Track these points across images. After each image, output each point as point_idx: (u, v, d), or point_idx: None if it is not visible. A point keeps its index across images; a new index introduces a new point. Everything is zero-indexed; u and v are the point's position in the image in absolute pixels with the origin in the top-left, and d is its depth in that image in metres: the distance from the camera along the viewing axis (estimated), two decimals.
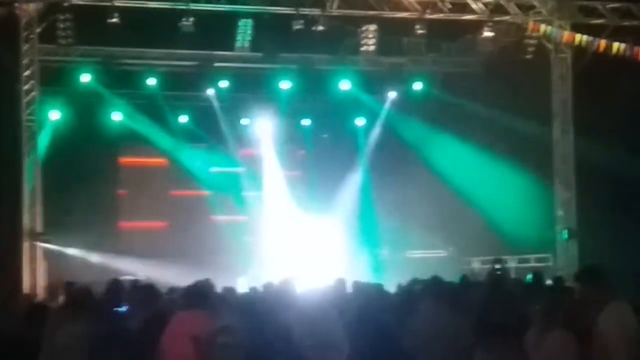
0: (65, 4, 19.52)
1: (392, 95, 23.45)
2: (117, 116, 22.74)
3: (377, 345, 8.84)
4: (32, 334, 8.70)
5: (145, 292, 10.05)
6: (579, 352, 7.07)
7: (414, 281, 11.17)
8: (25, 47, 19.50)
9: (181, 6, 19.70)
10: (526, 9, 20.96)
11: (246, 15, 20.51)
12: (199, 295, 8.43)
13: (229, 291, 11.01)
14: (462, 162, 21.94)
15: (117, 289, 11.17)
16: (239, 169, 24.49)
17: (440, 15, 20.63)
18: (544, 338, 7.25)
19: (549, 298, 7.95)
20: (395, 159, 23.49)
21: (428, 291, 9.29)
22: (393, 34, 21.49)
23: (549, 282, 11.60)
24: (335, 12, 20.35)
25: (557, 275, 11.71)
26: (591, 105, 19.72)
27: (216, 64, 22.39)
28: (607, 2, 20.50)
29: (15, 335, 8.81)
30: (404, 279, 11.98)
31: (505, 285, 10.87)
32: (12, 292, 14.75)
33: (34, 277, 19.08)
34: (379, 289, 10.66)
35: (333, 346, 8.35)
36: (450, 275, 11.34)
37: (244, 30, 20.85)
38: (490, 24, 20.91)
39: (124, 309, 10.58)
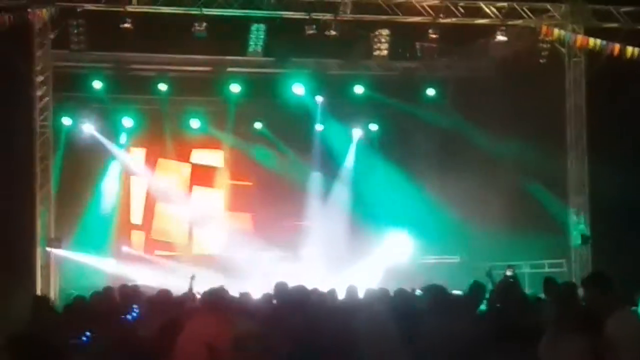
0: (78, 10, 19.53)
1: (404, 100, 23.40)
2: (128, 122, 22.84)
3: None
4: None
5: (160, 298, 10.07)
6: (593, 358, 7.02)
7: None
8: (38, 53, 19.55)
9: (194, 11, 19.69)
10: (539, 12, 20.85)
11: (259, 20, 20.47)
12: (214, 301, 8.42)
13: (245, 296, 11.05)
14: (470, 166, 21.90)
15: (129, 295, 11.19)
16: None
17: (453, 20, 20.55)
18: (558, 344, 7.20)
19: (563, 304, 7.90)
20: (407, 162, 23.41)
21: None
22: (406, 39, 21.43)
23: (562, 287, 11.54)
24: (347, 16, 20.30)
25: (570, 282, 11.61)
26: (606, 109, 19.64)
27: (229, 69, 22.47)
28: (621, 6, 20.38)
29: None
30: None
31: (518, 291, 10.83)
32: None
33: (47, 283, 19.16)
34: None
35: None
36: (463, 282, 11.32)
37: (257, 35, 20.83)
38: (503, 28, 20.78)
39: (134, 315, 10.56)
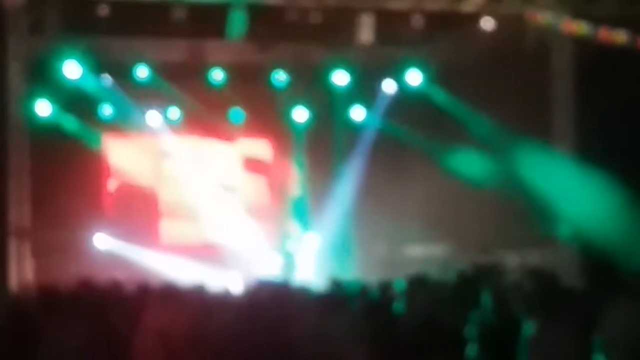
0: None
1: (389, 86, 23.09)
2: (107, 109, 22.42)
3: None
4: None
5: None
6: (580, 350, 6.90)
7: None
8: (12, 39, 19.18)
9: None
10: None
11: (239, 5, 20.14)
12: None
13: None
14: (461, 154, 21.58)
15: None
16: None
17: (438, 6, 20.28)
18: (546, 335, 7.06)
19: (549, 295, 7.75)
20: (392, 151, 23.18)
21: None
22: (390, 25, 21.15)
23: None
24: (330, 2, 20.01)
25: (554, 272, 11.28)
26: (594, 97, 19.37)
27: (209, 56, 22.10)
28: None
29: None
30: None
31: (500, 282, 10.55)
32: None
33: (22, 276, 18.89)
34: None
35: None
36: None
37: (238, 21, 20.52)
38: (488, 14, 20.56)
39: None
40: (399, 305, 10.04)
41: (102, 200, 23.22)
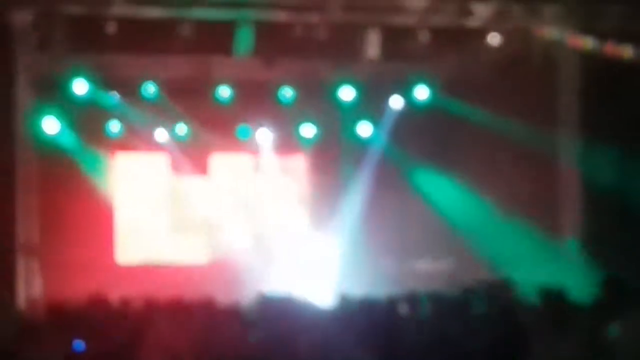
0: (61, 13, 19.20)
1: (396, 102, 23.10)
2: (114, 126, 22.47)
3: None
4: None
5: None
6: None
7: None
8: (20, 56, 19.22)
9: (180, 14, 19.36)
10: (532, 14, 20.56)
11: (246, 22, 20.15)
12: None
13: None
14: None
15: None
16: None
17: (444, 22, 20.27)
18: (555, 350, 7.03)
19: (558, 310, 7.73)
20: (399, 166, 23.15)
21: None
22: (396, 41, 21.14)
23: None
24: (336, 17, 20.00)
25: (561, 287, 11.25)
26: (600, 112, 19.33)
27: (216, 72, 22.12)
28: (615, 6, 20.06)
29: None
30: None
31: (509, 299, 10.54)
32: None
33: (30, 293, 18.86)
34: None
35: None
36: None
37: (244, 38, 20.53)
38: (495, 29, 20.55)
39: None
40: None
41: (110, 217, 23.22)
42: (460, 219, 21.70)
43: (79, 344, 9.19)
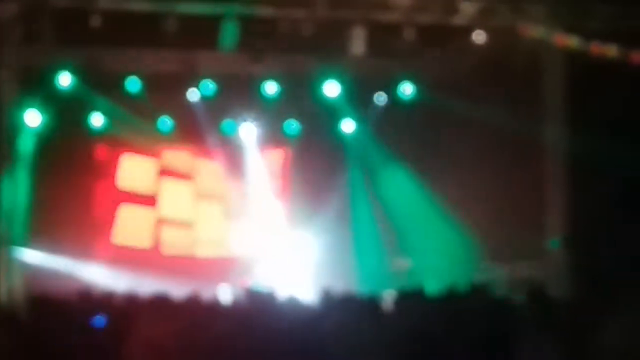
0: (46, 6, 19.16)
1: (380, 99, 23.14)
2: (98, 120, 22.36)
3: None
4: None
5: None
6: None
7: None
8: (5, 49, 19.18)
9: (165, 8, 19.33)
10: (518, 12, 20.61)
11: (231, 17, 20.14)
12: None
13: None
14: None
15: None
16: None
17: (430, 19, 20.29)
18: (537, 351, 7.05)
19: (542, 310, 7.74)
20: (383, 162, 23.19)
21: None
22: (382, 37, 21.16)
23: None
24: (322, 14, 20.01)
25: (542, 286, 11.30)
26: (585, 109, 19.40)
27: (201, 67, 22.07)
28: (601, 5, 20.15)
29: None
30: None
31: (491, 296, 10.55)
32: None
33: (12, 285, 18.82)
34: None
35: None
36: None
37: (229, 32, 20.51)
38: (480, 27, 20.58)
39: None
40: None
41: (93, 210, 23.13)
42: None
43: (100, 319, 9.25)
